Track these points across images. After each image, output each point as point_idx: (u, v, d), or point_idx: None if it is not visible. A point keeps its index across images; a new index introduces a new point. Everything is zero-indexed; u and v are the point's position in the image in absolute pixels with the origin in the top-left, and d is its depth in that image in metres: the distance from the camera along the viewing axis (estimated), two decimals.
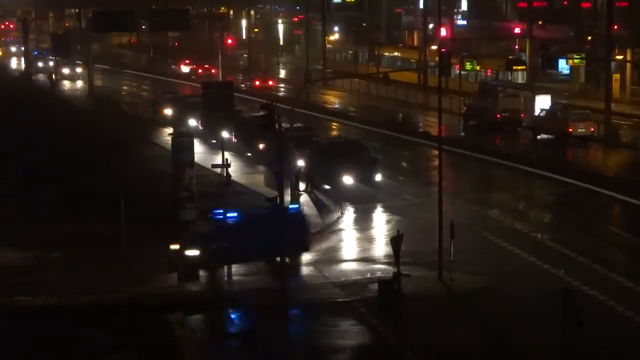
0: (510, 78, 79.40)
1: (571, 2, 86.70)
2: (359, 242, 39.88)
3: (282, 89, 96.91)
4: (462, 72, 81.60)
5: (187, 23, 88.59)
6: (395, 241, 25.83)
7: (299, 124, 52.62)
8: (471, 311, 31.36)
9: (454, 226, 33.87)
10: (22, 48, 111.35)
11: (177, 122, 66.18)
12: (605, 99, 66.57)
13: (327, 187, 48.02)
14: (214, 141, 58.69)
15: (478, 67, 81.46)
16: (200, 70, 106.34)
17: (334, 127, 70.23)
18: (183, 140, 43.23)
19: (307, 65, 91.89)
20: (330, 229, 41.57)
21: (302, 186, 46.81)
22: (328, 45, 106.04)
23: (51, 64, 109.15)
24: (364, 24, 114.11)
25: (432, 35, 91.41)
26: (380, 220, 43.52)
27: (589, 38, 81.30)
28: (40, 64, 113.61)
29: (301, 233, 35.70)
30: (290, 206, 37.53)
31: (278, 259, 35.31)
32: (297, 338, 29.61)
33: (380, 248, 38.48)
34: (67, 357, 28.00)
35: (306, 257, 37.45)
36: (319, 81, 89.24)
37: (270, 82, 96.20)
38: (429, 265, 34.18)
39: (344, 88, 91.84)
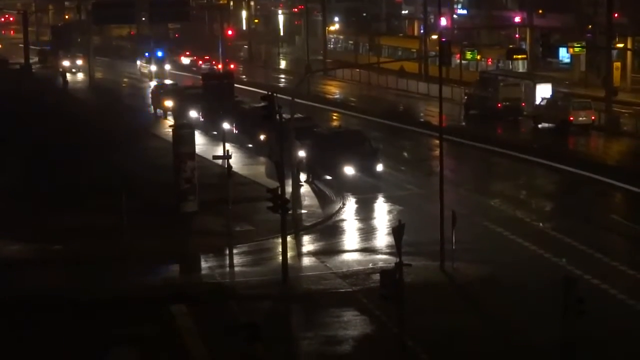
0: (511, 67, 79.18)
1: None
2: (361, 233, 39.87)
3: (284, 80, 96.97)
4: (463, 62, 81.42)
5: (187, 14, 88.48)
6: (396, 231, 25.78)
7: (300, 115, 52.56)
8: (473, 300, 31.40)
9: (456, 216, 33.84)
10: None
11: (178, 113, 66.14)
12: (605, 87, 66.45)
13: (328, 177, 47.98)
14: (215, 132, 58.66)
15: (479, 57, 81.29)
16: (200, 62, 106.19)
17: (334, 117, 70.17)
18: (184, 132, 43.21)
19: (307, 55, 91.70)
20: (331, 219, 41.58)
21: (303, 177, 46.77)
22: (328, 36, 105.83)
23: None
24: (364, 14, 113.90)
25: (432, 25, 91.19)
26: (382, 210, 43.50)
27: (590, 26, 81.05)
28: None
29: None
30: None
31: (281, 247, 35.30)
32: (300, 329, 29.62)
33: (382, 238, 38.49)
34: (71, 350, 27.98)
35: (308, 247, 37.51)
36: (320, 72, 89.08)
37: (232, 66, 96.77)
38: (431, 255, 34.19)
39: (345, 78, 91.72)
